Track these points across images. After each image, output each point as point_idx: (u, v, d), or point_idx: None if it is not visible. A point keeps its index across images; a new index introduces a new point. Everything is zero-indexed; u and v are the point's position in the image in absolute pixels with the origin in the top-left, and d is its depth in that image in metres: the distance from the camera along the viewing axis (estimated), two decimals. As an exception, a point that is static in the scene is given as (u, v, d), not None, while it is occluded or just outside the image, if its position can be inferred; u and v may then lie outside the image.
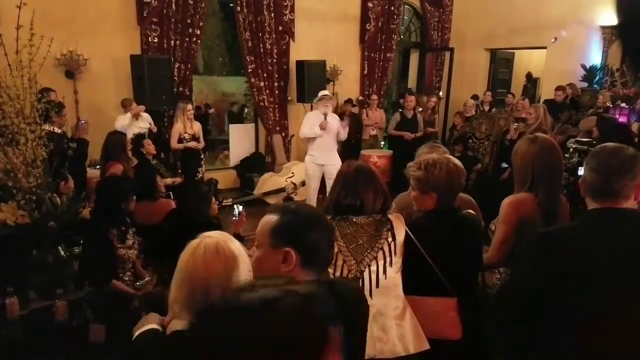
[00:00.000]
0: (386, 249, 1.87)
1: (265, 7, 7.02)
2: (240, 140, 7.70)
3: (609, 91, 7.41)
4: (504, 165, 5.89)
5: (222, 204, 5.48)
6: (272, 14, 7.14)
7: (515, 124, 6.10)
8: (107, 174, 3.80)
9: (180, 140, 5.59)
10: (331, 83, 8.05)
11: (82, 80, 5.72)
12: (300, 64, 7.34)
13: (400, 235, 1.92)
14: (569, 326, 1.50)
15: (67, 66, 5.56)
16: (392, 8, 8.64)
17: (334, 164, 5.54)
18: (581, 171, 3.86)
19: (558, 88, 7.76)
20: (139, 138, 4.75)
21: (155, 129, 5.34)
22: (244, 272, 1.38)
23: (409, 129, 7.32)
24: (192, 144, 5.63)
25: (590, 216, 1.58)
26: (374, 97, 8.13)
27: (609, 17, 7.79)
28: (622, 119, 5.88)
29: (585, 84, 7.93)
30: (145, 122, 5.53)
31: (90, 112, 5.67)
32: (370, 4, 8.31)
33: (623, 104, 6.88)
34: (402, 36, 9.56)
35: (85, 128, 4.92)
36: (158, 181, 3.89)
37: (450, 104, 9.57)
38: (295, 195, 6.80)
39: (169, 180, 4.75)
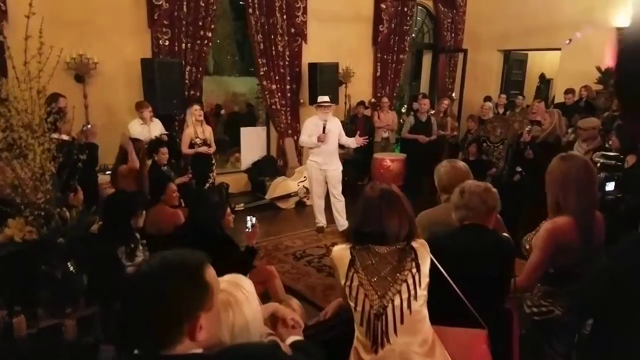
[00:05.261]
0: (410, 281, 1.76)
1: (277, 9, 6.94)
2: (252, 143, 7.62)
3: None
4: (519, 169, 5.79)
5: (235, 209, 5.42)
6: (284, 16, 7.05)
7: (529, 127, 5.99)
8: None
9: (191, 146, 5.53)
10: (343, 85, 7.95)
11: (92, 84, 5.66)
12: (312, 66, 7.27)
13: (425, 266, 1.80)
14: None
15: (76, 70, 5.51)
16: (405, 9, 8.52)
17: (335, 168, 5.49)
18: (609, 186, 3.79)
19: (567, 91, 7.66)
20: (156, 144, 4.71)
21: (166, 139, 5.28)
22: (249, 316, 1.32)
23: (423, 132, 7.23)
24: (203, 149, 5.56)
25: None
26: (385, 99, 8.03)
27: (624, 18, 7.61)
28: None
29: (601, 87, 7.77)
30: (157, 128, 5.46)
31: (100, 116, 5.61)
32: (383, 5, 8.20)
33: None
34: (414, 37, 9.43)
35: (93, 132, 4.87)
36: (170, 191, 3.80)
37: (463, 106, 9.43)
38: (307, 199, 6.71)
39: (179, 180, 4.72)
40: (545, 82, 11.29)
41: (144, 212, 2.75)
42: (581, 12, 7.99)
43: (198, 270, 1.14)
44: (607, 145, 4.66)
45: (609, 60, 7.84)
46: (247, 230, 3.11)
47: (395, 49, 8.64)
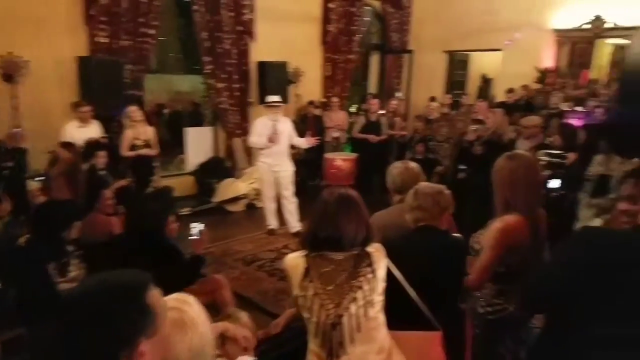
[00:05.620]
0: (366, 287, 1.70)
1: (223, 5, 6.75)
2: (198, 144, 7.37)
3: (561, 92, 7.63)
4: (462, 167, 5.93)
5: (180, 214, 5.20)
6: (231, 13, 6.88)
7: (474, 127, 6.17)
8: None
9: (132, 148, 5.25)
10: (293, 85, 7.86)
11: (22, 84, 5.25)
12: (261, 64, 7.16)
13: (381, 270, 1.75)
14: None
15: (5, 69, 5.09)
16: (353, 9, 8.54)
17: (287, 169, 5.40)
18: (553, 184, 3.93)
19: (508, 91, 8.00)
20: (93, 147, 4.43)
21: (105, 141, 4.98)
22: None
23: (373, 132, 7.28)
24: (145, 150, 5.30)
25: None
26: (335, 99, 8.02)
27: (561, 20, 8.00)
28: (577, 123, 6.00)
29: (539, 86, 8.13)
30: (94, 130, 5.15)
31: (32, 118, 5.20)
32: (331, 5, 8.19)
33: (578, 107, 7.08)
34: (363, 38, 9.48)
35: (22, 135, 4.51)
36: (105, 198, 3.56)
37: (411, 106, 9.60)
38: (258, 201, 6.57)
39: (118, 185, 4.46)
40: (486, 82, 11.69)
41: (77, 222, 2.53)
42: (520, 15, 8.32)
43: (139, 293, 1.04)
44: (546, 143, 4.84)
45: (546, 60, 8.23)
46: (193, 237, 2.95)
47: (344, 49, 8.65)
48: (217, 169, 7.12)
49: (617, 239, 1.63)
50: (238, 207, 6.65)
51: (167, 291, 1.21)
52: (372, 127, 7.33)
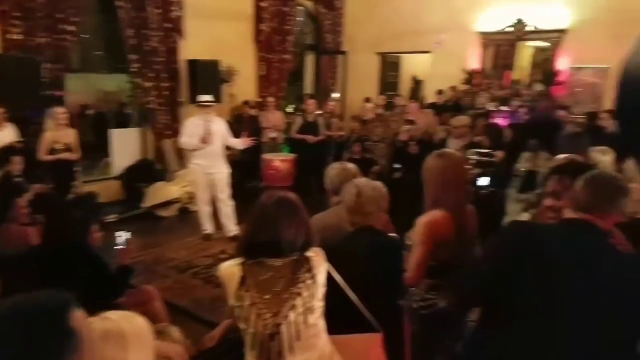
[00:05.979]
0: (305, 293, 1.64)
1: (150, 2, 6.45)
2: (124, 147, 6.98)
3: (487, 93, 8.02)
4: (397, 165, 6.07)
5: (106, 221, 4.88)
6: (158, 10, 6.58)
7: (406, 127, 6.36)
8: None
9: (52, 151, 4.85)
10: (227, 84, 7.66)
11: None
12: (191, 63, 6.93)
13: (321, 275, 1.70)
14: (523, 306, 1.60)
15: None
16: (286, 9, 8.47)
17: (222, 171, 5.24)
18: (483, 181, 4.08)
19: (438, 92, 8.30)
20: (8, 151, 4.05)
21: (21, 145, 4.58)
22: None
23: (311, 132, 7.28)
24: (65, 154, 4.92)
25: (567, 221, 1.69)
26: (271, 99, 7.91)
27: (485, 23, 8.40)
28: (503, 122, 6.32)
29: (467, 87, 8.50)
30: (9, 134, 4.71)
31: None
32: (263, 4, 8.09)
33: (503, 107, 7.47)
34: (298, 38, 9.44)
35: None
36: (18, 207, 3.25)
37: (347, 107, 9.69)
38: (192, 205, 6.33)
39: (36, 191, 4.09)
40: (417, 84, 12.07)
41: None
42: (447, 18, 8.64)
43: (60, 316, 0.93)
44: (475, 142, 5.03)
45: (472, 62, 8.61)
46: (119, 247, 2.75)
47: (278, 48, 8.56)
48: (146, 172, 6.78)
49: (541, 233, 1.69)
50: (170, 211, 6.37)
51: (92, 307, 1.11)
52: (309, 127, 7.32)
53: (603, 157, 3.11)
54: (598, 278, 1.52)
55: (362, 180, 2.23)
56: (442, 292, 2.29)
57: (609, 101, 7.16)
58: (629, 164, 3.16)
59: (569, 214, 1.67)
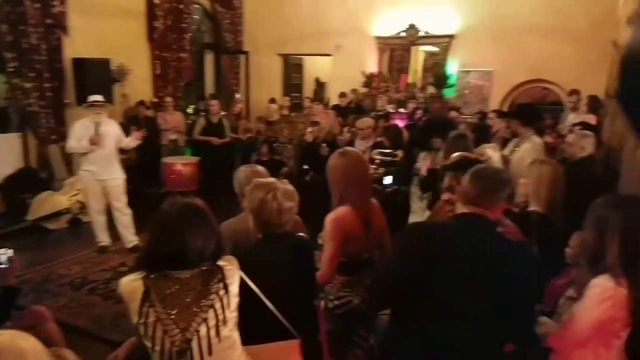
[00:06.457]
0: (218, 305, 1.56)
1: (26, -5, 5.83)
2: (3, 154, 6.24)
3: (385, 95, 8.39)
4: (306, 167, 6.12)
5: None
6: (37, 5, 5.97)
7: (311, 128, 6.47)
8: None
9: None
10: (119, 84, 7.17)
11: None
12: (78, 62, 6.38)
13: (234, 285, 1.63)
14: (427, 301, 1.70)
15: None
16: (181, 6, 8.13)
17: (116, 177, 4.90)
18: (387, 180, 4.25)
19: (341, 95, 8.55)
20: None
21: None
22: None
23: (215, 134, 7.06)
24: None
25: (459, 216, 1.80)
26: (169, 99, 7.55)
27: (381, 28, 8.77)
28: (401, 123, 6.64)
29: (366, 89, 8.82)
30: None
31: None
32: (156, 1, 7.68)
33: (401, 109, 7.87)
34: (195, 36, 9.11)
35: None
36: None
37: (251, 107, 9.57)
38: (84, 215, 5.82)
39: None
40: (320, 86, 12.30)
41: None
42: (346, 22, 8.89)
43: None
44: (379, 142, 5.23)
45: (371, 66, 8.94)
46: (1, 266, 2.43)
47: (175, 46, 8.18)
48: (30, 181, 6.14)
49: (436, 232, 1.82)
50: (59, 223, 5.82)
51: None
52: (214, 128, 7.13)
53: (493, 153, 3.39)
54: (486, 265, 1.65)
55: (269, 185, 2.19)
56: (355, 289, 2.36)
57: (494, 102, 7.88)
58: (495, 155, 3.45)
59: (460, 208, 1.80)
